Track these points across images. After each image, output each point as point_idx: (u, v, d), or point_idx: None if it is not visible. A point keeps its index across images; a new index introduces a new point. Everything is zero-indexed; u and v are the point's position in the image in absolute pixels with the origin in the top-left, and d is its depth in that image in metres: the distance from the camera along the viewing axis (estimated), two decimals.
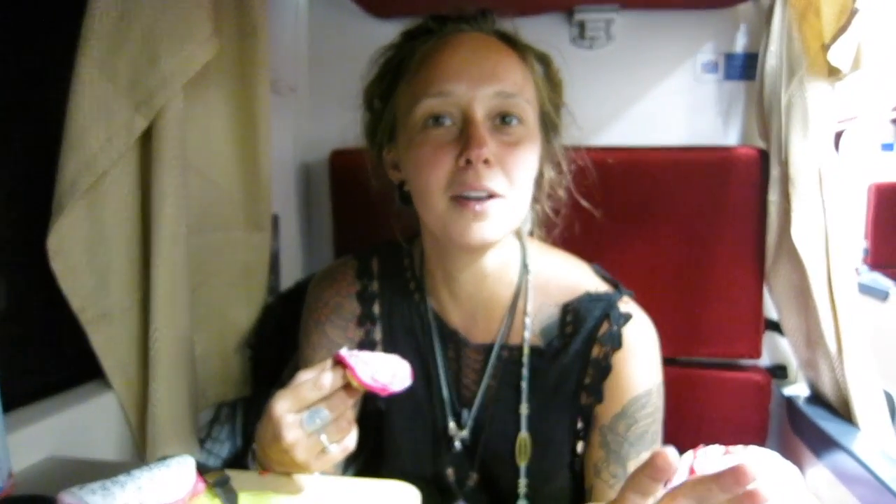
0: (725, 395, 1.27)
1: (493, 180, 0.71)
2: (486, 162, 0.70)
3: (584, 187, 0.91)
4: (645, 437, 0.80)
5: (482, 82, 0.72)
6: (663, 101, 1.37)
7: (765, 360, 1.33)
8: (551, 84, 0.82)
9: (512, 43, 0.78)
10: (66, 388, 0.90)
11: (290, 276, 1.37)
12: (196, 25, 0.90)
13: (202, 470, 0.66)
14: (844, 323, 1.09)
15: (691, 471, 1.13)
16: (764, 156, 1.21)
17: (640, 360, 0.81)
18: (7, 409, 0.70)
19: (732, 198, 1.23)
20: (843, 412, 1.14)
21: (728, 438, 1.19)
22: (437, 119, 0.73)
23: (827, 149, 1.11)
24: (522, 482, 0.83)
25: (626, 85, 1.37)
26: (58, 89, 0.82)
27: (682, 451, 1.23)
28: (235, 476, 0.68)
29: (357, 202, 1.38)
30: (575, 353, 0.81)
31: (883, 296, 2.87)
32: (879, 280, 3.24)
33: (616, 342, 0.80)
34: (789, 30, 1.13)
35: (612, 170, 1.26)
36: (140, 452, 0.95)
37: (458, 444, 0.86)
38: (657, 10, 1.34)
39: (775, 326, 1.28)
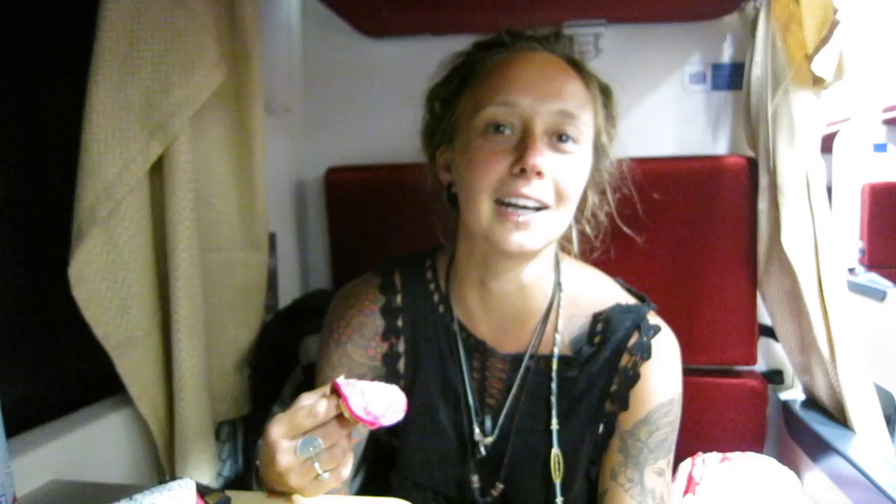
0: (722, 401, 1.28)
1: (542, 191, 0.74)
2: (538, 174, 0.73)
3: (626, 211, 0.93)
4: (664, 445, 0.82)
5: (547, 98, 0.75)
6: (653, 113, 1.39)
7: (761, 366, 1.34)
8: (608, 114, 0.84)
9: (578, 68, 0.81)
10: (70, 411, 0.91)
11: (287, 293, 1.39)
12: (204, 51, 0.92)
13: (203, 492, 0.66)
14: (836, 327, 1.10)
15: (690, 478, 1.15)
16: (753, 164, 1.23)
17: (666, 370, 0.83)
18: (10, 434, 0.71)
19: (723, 206, 1.24)
20: (838, 416, 1.15)
21: (726, 444, 1.21)
22: (497, 127, 0.76)
23: (813, 156, 1.13)
24: (559, 501, 0.84)
25: (616, 97, 1.39)
26: (72, 118, 0.83)
27: (680, 457, 1.25)
28: (237, 497, 0.69)
29: (352, 218, 1.39)
30: (604, 362, 0.83)
31: (880, 296, 2.87)
32: (877, 280, 3.25)
33: (646, 352, 0.82)
34: (773, 40, 1.15)
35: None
36: (166, 473, 0.97)
37: (482, 449, 0.87)
38: (644, 23, 1.36)
39: (770, 332, 1.29)
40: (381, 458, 0.97)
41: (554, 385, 0.84)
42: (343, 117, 1.44)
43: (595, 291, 0.88)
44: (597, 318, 0.85)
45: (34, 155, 0.90)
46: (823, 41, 1.03)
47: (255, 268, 1.18)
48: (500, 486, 0.87)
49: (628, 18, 1.35)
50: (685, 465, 1.19)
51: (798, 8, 1.07)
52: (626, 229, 0.94)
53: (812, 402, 1.24)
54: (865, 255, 3.57)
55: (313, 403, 0.64)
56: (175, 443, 0.94)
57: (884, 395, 1.29)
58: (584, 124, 0.78)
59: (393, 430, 0.89)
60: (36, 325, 0.90)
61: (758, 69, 1.18)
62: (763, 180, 1.19)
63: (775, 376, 1.34)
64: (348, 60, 1.44)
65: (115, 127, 0.83)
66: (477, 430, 0.87)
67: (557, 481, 0.84)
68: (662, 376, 0.83)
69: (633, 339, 0.83)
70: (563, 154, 0.76)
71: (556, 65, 0.79)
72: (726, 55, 1.36)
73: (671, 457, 0.82)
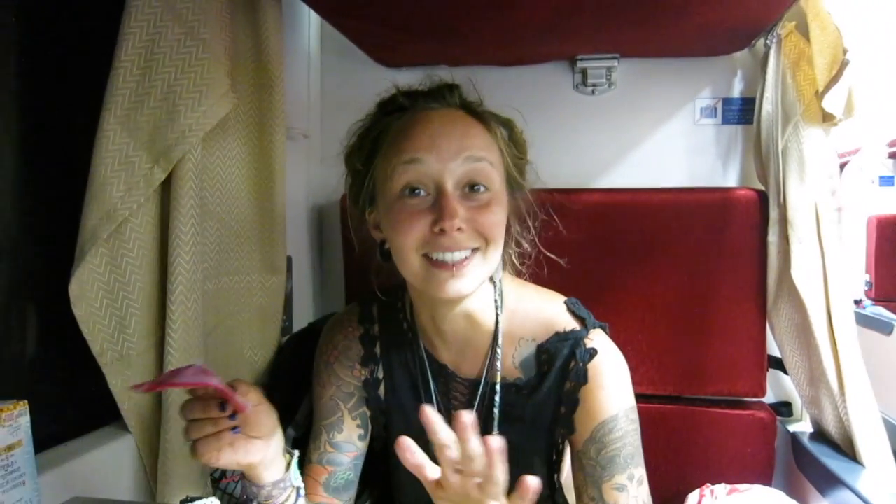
0: (731, 432, 1.28)
1: (466, 240, 0.78)
2: (458, 230, 0.77)
3: (574, 230, 0.95)
4: (616, 461, 0.83)
5: (451, 154, 0.78)
6: (664, 145, 1.41)
7: (769, 398, 1.35)
8: (516, 145, 0.88)
9: (477, 114, 0.85)
10: (89, 431, 0.93)
11: (302, 316, 1.41)
12: (215, 82, 0.95)
13: None
14: (845, 361, 1.11)
15: None
16: (763, 197, 1.24)
17: (604, 389, 0.85)
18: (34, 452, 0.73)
19: (733, 238, 1.26)
20: (847, 449, 1.15)
21: (734, 476, 1.21)
22: (412, 190, 0.79)
23: (823, 191, 1.14)
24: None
25: (627, 129, 1.42)
26: (83, 143, 0.87)
27: (689, 488, 1.25)
28: None
29: (367, 243, 1.41)
30: (549, 390, 0.87)
31: (888, 329, 2.86)
32: (883, 313, 3.24)
33: (582, 378, 0.85)
34: (783, 77, 1.17)
35: (615, 211, 1.30)
36: (152, 492, 0.97)
37: None
38: (657, 58, 1.39)
39: (779, 364, 1.30)
40: (386, 484, 0.98)
41: (497, 399, 0.88)
42: None
43: (538, 315, 0.90)
44: (540, 349, 0.88)
45: (51, 183, 0.93)
46: (834, 79, 1.05)
47: (273, 291, 1.20)
48: None
49: (641, 53, 1.38)
50: (693, 495, 1.19)
51: (808, 46, 1.10)
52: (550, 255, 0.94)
53: (821, 435, 1.24)
54: (872, 288, 3.57)
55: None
56: (159, 464, 0.95)
57: (891, 428, 1.29)
58: (492, 165, 0.81)
59: (390, 453, 0.91)
60: (62, 342, 0.92)
61: (768, 104, 1.21)
62: (773, 213, 1.21)
63: (784, 408, 1.35)
64: (365, 89, 1.46)
65: (122, 152, 0.87)
66: None
67: None
68: (600, 396, 0.85)
69: (572, 365, 0.86)
70: (478, 202, 0.79)
71: (454, 118, 0.83)
72: (737, 90, 1.39)
73: (632, 471, 0.83)
